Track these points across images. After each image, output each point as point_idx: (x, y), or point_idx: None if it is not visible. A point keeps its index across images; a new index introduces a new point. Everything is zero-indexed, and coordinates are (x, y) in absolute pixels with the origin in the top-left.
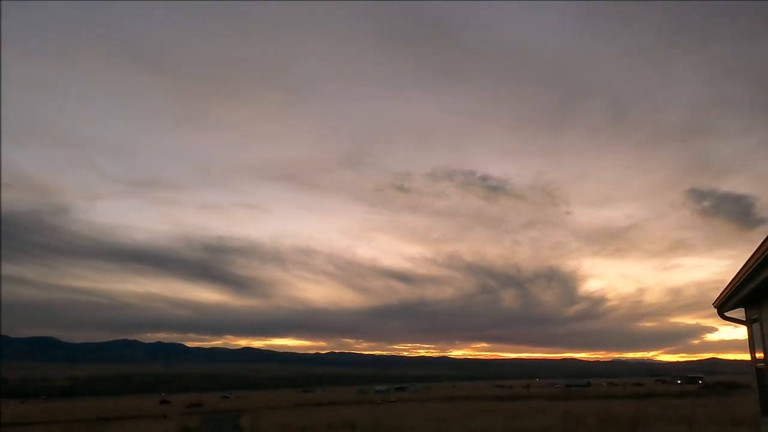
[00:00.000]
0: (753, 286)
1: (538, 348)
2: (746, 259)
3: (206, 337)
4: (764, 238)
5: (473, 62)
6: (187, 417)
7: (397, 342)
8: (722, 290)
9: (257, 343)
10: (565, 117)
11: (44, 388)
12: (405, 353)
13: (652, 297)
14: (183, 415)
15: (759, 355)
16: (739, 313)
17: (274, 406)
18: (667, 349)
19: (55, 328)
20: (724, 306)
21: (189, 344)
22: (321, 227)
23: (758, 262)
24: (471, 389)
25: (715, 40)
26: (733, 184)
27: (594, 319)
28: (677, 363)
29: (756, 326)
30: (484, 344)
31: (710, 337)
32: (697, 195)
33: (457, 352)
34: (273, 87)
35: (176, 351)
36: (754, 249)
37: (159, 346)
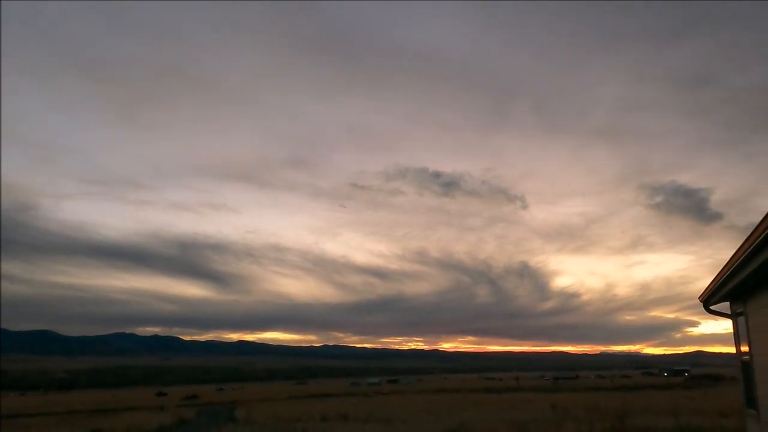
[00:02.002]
0: (737, 281)
1: (520, 342)
2: (730, 255)
3: (192, 331)
4: (748, 235)
5: (396, 67)
6: (183, 409)
7: (383, 336)
8: (707, 285)
9: (247, 338)
10: (497, 118)
11: (43, 381)
12: (396, 346)
13: (624, 292)
14: (179, 407)
15: (744, 348)
16: (724, 307)
17: (268, 398)
18: (652, 342)
19: (45, 323)
20: (709, 300)
21: (185, 337)
22: (286, 225)
23: (742, 258)
24: (461, 381)
25: (630, 44)
26: (680, 181)
27: (570, 313)
28: (664, 356)
29: (741, 320)
30: (471, 338)
31: (692, 330)
32: (648, 191)
33: (445, 345)
34: (209, 91)
35: (172, 344)
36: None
37: (156, 339)
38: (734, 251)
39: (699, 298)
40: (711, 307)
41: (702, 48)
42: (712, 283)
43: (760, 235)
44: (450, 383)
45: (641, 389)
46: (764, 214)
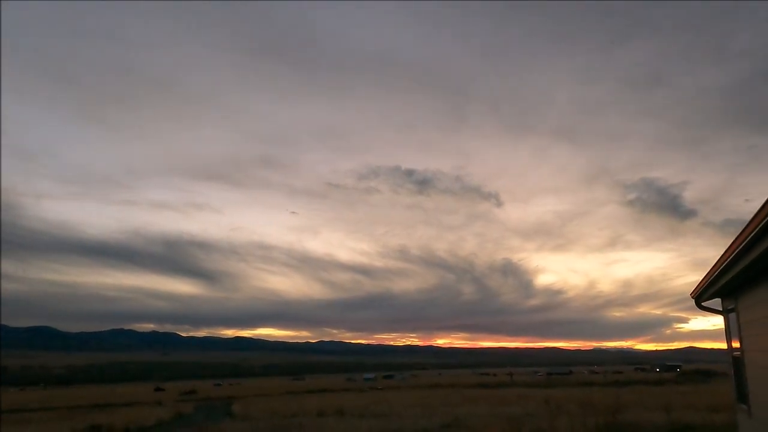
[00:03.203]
0: (729, 277)
1: (511, 338)
2: (721, 253)
3: (185, 328)
4: (739, 232)
5: (355, 70)
6: (181, 404)
7: (373, 332)
8: (699, 282)
9: (243, 334)
10: (458, 118)
11: (42, 376)
12: (391, 342)
13: (607, 289)
14: (177, 402)
15: (735, 344)
16: (715, 303)
17: (265, 393)
18: (643, 338)
19: (40, 320)
20: (701, 297)
21: (183, 334)
22: (266, 223)
23: (733, 255)
24: (455, 377)
25: (580, 46)
26: (651, 179)
27: (558, 310)
28: (656, 351)
29: (732, 316)
30: (463, 334)
31: (682, 326)
32: (620, 190)
33: (440, 341)
34: (173, 93)
35: (171, 340)
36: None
37: (154, 335)
38: (725, 249)
39: (691, 294)
40: (703, 304)
41: (648, 50)
42: (703, 279)
43: (751, 232)
44: (444, 379)
45: (633, 384)
46: (755, 212)
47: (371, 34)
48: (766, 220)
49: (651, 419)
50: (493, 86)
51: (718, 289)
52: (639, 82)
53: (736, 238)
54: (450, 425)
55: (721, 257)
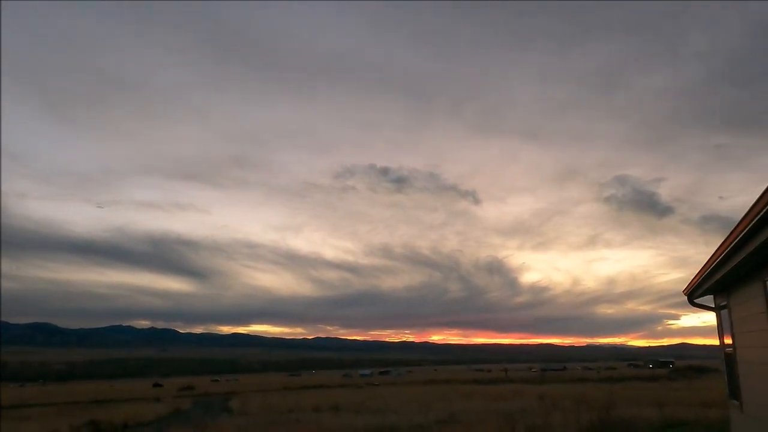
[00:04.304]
0: (721, 275)
1: (503, 334)
2: (714, 250)
3: (177, 324)
4: (730, 231)
5: (318, 71)
6: (179, 400)
7: (370, 329)
8: (692, 279)
9: (239, 330)
10: (425, 118)
11: (42, 372)
12: (387, 339)
13: (593, 286)
14: (175, 398)
15: (728, 340)
16: (708, 300)
17: (262, 389)
18: (635, 334)
19: (36, 317)
20: (693, 293)
21: (181, 330)
22: (249, 223)
23: (725, 252)
24: (451, 373)
25: (536, 48)
26: (624, 178)
27: (546, 307)
28: (649, 348)
29: (724, 312)
30: (456, 330)
31: (673, 323)
32: (595, 188)
33: (435, 338)
34: (136, 94)
35: (169, 336)
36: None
37: (152, 331)
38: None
39: (683, 291)
40: (695, 300)
41: (603, 52)
42: (696, 277)
43: (743, 230)
44: (440, 375)
45: (627, 381)
46: (747, 209)
47: (332, 36)
48: (757, 217)
49: (644, 415)
50: (454, 87)
51: (711, 286)
52: (597, 84)
53: (728, 236)
54: (446, 421)
55: (713, 254)
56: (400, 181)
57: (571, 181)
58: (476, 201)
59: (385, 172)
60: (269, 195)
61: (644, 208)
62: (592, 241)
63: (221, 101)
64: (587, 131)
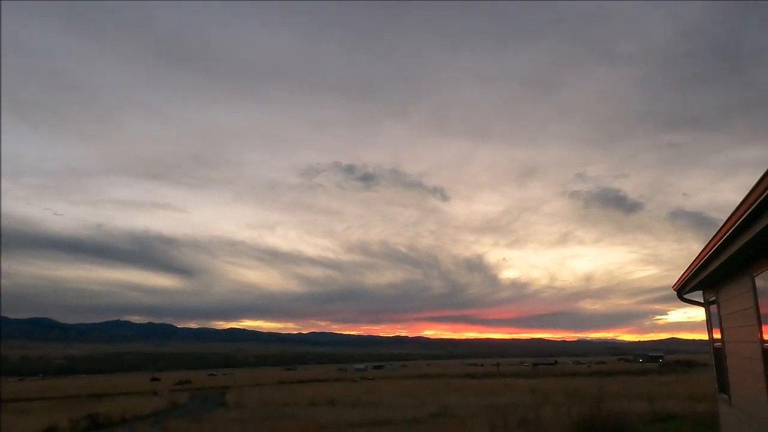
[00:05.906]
0: (709, 271)
1: (492, 329)
2: (702, 246)
3: (168, 320)
4: (720, 226)
5: (261, 74)
6: (176, 393)
7: (361, 324)
8: (681, 274)
9: (229, 326)
10: (370, 118)
11: (42, 367)
12: (382, 334)
13: (572, 282)
14: (173, 392)
15: (716, 335)
16: (697, 295)
17: (258, 383)
18: (624, 329)
19: (34, 312)
20: (683, 289)
21: (179, 325)
22: (223, 220)
23: (714, 249)
24: (444, 367)
25: (467, 48)
26: (587, 177)
27: (529, 302)
28: (639, 342)
29: (713, 307)
30: (447, 325)
31: (661, 318)
32: (558, 187)
33: (428, 332)
34: (91, 97)
35: (166, 331)
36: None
37: (150, 326)
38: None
39: (673, 287)
40: (685, 296)
41: (537, 54)
42: (685, 272)
43: (732, 227)
44: (433, 369)
45: (617, 375)
46: (737, 204)
47: (275, 38)
48: (746, 213)
49: (634, 409)
50: (398, 88)
51: (700, 281)
52: (537, 85)
53: (715, 235)
54: (439, 414)
55: (702, 250)
56: (366, 179)
57: (532, 179)
58: (444, 198)
59: (350, 169)
60: (239, 194)
61: (611, 204)
62: (564, 239)
63: (176, 102)
64: (539, 131)
